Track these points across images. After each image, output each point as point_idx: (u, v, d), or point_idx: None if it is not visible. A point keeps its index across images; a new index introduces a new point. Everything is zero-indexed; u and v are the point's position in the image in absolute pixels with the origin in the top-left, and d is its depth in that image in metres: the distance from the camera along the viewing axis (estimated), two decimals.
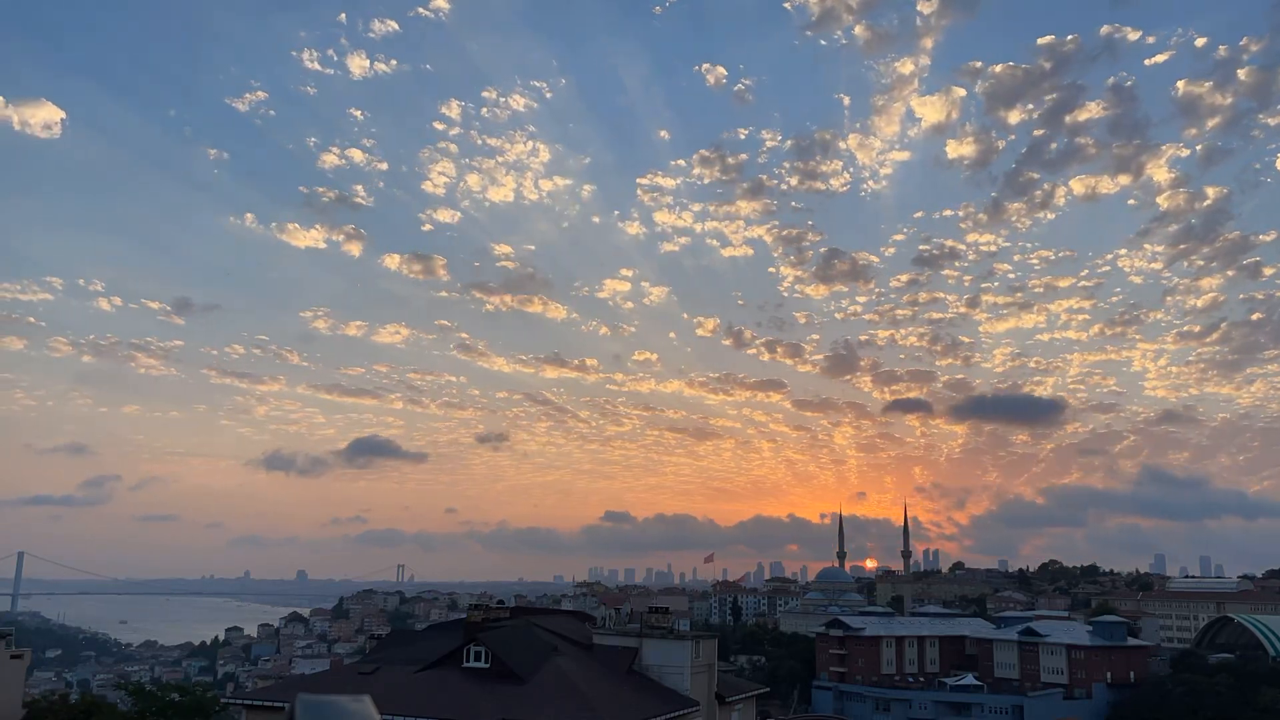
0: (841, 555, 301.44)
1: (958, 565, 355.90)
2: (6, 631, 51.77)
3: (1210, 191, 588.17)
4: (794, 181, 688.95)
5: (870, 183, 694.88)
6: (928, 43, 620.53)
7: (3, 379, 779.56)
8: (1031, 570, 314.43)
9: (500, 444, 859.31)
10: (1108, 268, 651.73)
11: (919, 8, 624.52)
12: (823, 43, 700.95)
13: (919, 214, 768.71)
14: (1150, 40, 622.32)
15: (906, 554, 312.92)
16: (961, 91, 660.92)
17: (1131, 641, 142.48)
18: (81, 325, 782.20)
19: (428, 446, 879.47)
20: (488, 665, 38.93)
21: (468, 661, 39.42)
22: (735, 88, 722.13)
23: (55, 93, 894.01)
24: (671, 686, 41.71)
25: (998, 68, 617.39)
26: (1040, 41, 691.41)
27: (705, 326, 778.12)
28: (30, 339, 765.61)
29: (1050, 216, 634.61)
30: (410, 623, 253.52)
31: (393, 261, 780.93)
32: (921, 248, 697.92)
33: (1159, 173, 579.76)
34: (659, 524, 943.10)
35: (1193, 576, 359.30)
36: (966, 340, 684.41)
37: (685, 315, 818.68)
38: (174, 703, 55.26)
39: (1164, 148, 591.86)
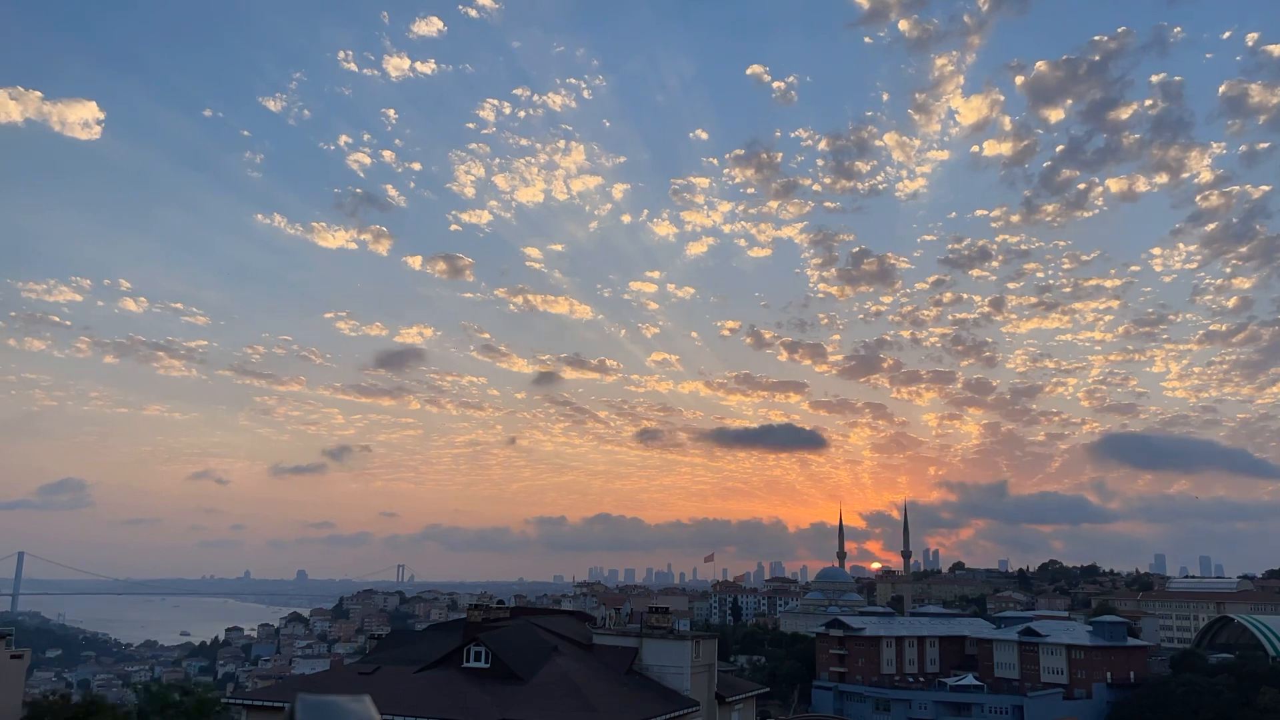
0: (841, 555, 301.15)
1: (958, 565, 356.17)
2: (6, 631, 51.76)
3: (1251, 190, 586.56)
4: (829, 181, 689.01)
5: (906, 182, 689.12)
6: (975, 40, 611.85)
7: (25, 379, 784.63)
8: (1031, 570, 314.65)
9: (517, 444, 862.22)
10: (1138, 267, 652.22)
11: (971, 4, 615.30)
12: (867, 39, 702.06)
13: (952, 214, 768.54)
14: (1203, 36, 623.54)
15: (906, 554, 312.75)
16: (1003, 92, 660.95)
17: (1131, 641, 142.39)
18: (107, 325, 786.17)
19: (444, 446, 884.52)
20: (488, 665, 38.92)
21: (468, 661, 39.41)
22: (776, 85, 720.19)
23: (96, 91, 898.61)
24: (671, 686, 41.70)
25: (1043, 65, 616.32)
26: (1088, 39, 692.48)
27: (728, 328, 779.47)
28: (54, 339, 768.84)
29: (1084, 215, 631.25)
30: (410, 623, 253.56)
31: (418, 262, 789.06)
32: (951, 248, 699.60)
33: (1200, 171, 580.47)
34: (672, 525, 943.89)
35: (1193, 576, 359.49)
36: (989, 341, 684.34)
37: (709, 317, 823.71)
38: (175, 703, 55.33)
39: (1206, 146, 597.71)
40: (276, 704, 38.12)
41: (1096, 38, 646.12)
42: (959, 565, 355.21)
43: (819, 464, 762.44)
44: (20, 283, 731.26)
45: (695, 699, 41.63)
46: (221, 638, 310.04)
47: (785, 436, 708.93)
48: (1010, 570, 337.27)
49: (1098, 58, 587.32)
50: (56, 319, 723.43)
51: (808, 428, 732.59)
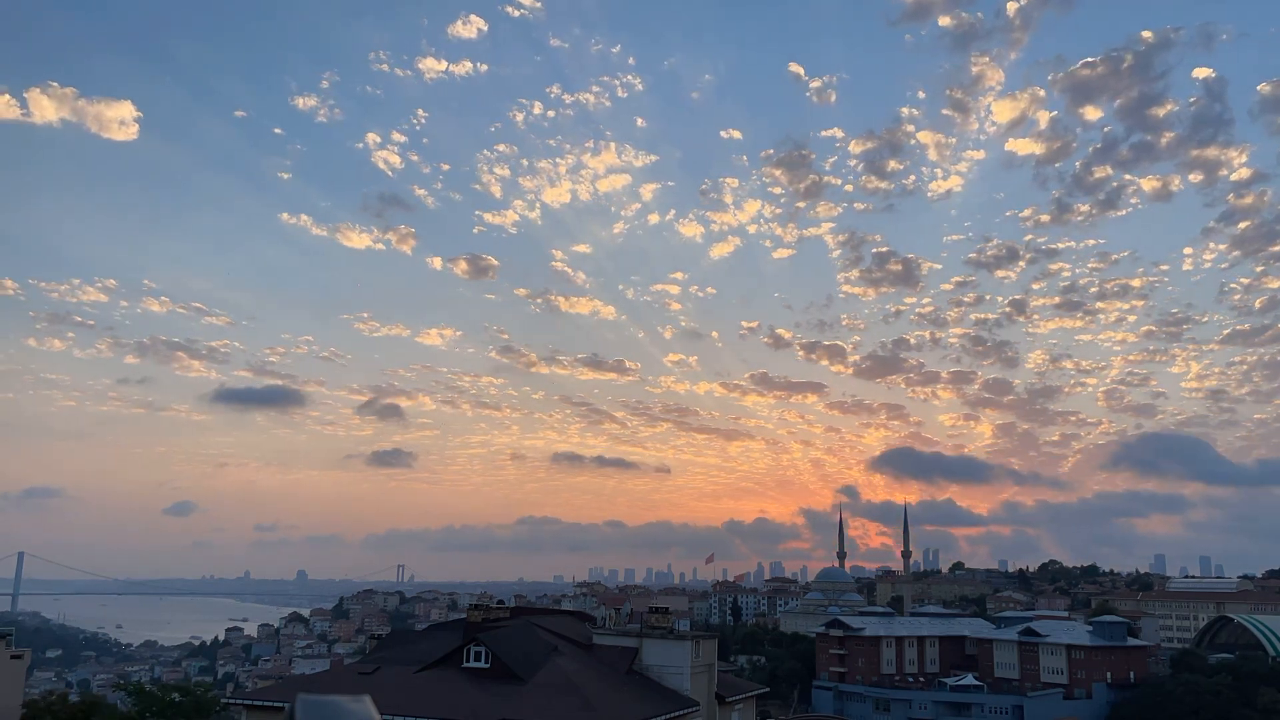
0: (841, 555, 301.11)
1: (957, 565, 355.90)
2: (6, 631, 51.67)
3: None
4: (861, 181, 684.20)
5: (939, 182, 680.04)
6: (1019, 36, 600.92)
7: (46, 379, 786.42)
8: (1031, 570, 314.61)
9: (530, 445, 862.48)
10: (1167, 265, 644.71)
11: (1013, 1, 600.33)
12: (907, 37, 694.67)
13: (981, 214, 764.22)
14: (1250, 32, 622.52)
15: (906, 554, 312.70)
16: (1043, 89, 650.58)
17: (1131, 641, 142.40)
18: (129, 326, 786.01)
19: (459, 446, 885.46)
20: (488, 665, 38.91)
21: (468, 661, 39.40)
22: (813, 83, 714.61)
23: (133, 90, 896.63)
24: (671, 686, 41.69)
25: (1086, 60, 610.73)
26: (1130, 35, 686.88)
27: (746, 328, 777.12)
28: (75, 340, 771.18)
29: (1116, 215, 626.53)
30: (410, 623, 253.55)
31: (440, 263, 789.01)
32: (978, 248, 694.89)
33: (1237, 169, 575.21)
34: (683, 526, 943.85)
35: (1193, 576, 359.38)
36: (1011, 341, 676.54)
37: (730, 317, 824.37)
38: (174, 703, 55.29)
39: (1245, 144, 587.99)
40: (276, 704, 38.13)
41: (1144, 33, 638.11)
42: (959, 565, 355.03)
43: (832, 464, 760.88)
44: (45, 283, 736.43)
45: (695, 699, 41.61)
46: (221, 638, 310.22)
47: (809, 436, 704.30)
48: (1010, 570, 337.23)
49: (1142, 50, 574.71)
50: (79, 319, 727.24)
51: (824, 429, 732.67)
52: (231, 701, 50.61)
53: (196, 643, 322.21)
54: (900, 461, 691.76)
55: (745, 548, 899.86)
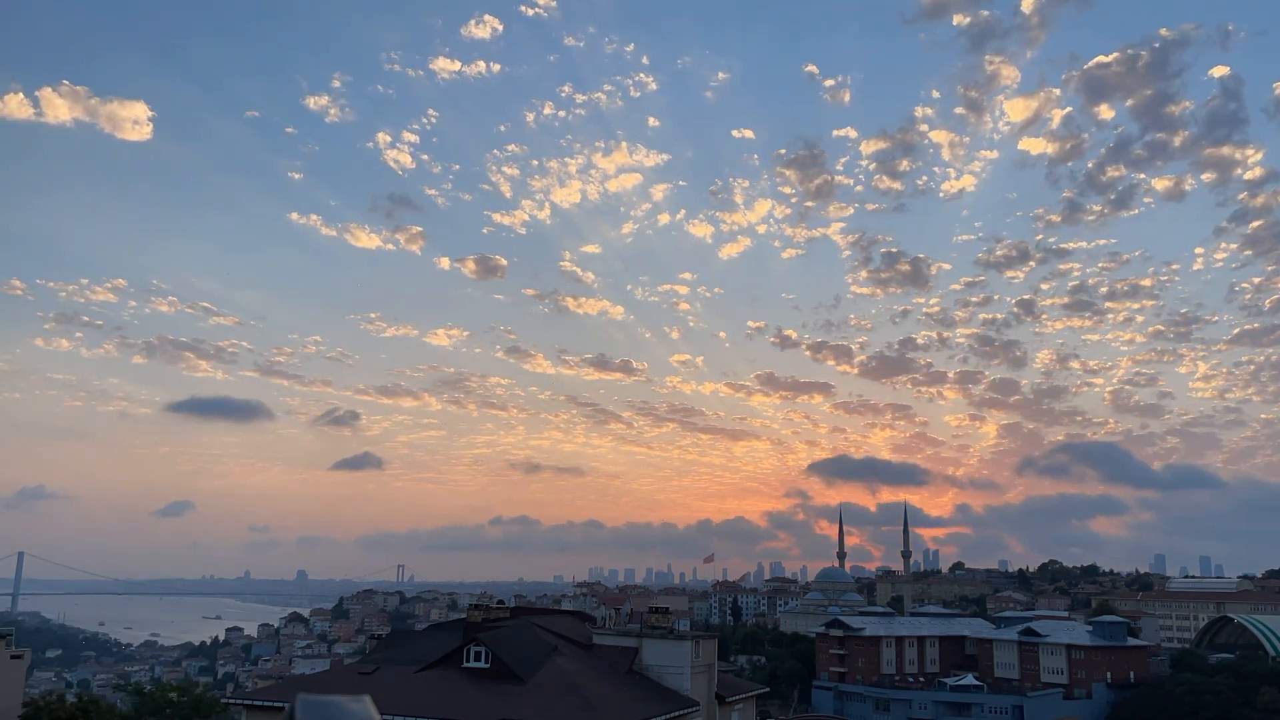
0: (841, 555, 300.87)
1: (957, 565, 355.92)
2: (6, 631, 51.74)
3: None
4: (873, 181, 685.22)
5: (951, 182, 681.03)
6: (1036, 35, 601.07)
7: (53, 379, 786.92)
8: (1031, 570, 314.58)
9: (534, 445, 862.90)
10: (1177, 265, 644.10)
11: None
12: (922, 35, 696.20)
13: (993, 214, 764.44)
14: (1268, 30, 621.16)
15: (906, 554, 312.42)
16: (1058, 88, 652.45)
17: (1131, 641, 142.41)
18: (137, 326, 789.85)
19: (464, 447, 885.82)
20: (488, 665, 38.90)
21: (468, 661, 39.39)
22: (826, 82, 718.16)
23: (146, 91, 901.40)
24: (671, 686, 41.68)
25: (1102, 59, 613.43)
26: (1148, 33, 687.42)
27: (753, 327, 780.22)
28: (83, 340, 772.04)
29: (1127, 214, 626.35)
30: (410, 623, 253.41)
31: (449, 263, 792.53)
32: (987, 248, 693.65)
33: (1251, 168, 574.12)
34: (692, 525, 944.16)
35: (1193, 576, 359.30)
36: (1019, 341, 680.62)
37: (738, 318, 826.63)
38: (174, 703, 55.26)
39: (1261, 144, 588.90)
40: (276, 704, 38.12)
41: (1162, 31, 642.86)
42: (959, 565, 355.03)
43: (837, 464, 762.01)
44: (53, 282, 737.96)
45: (695, 699, 41.60)
46: (221, 638, 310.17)
47: (814, 436, 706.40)
48: (1010, 570, 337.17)
49: (1158, 47, 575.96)
50: (87, 319, 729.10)
51: (830, 429, 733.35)
52: (231, 701, 50.57)
53: (196, 643, 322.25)
54: (837, 468, 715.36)
55: (745, 547, 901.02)
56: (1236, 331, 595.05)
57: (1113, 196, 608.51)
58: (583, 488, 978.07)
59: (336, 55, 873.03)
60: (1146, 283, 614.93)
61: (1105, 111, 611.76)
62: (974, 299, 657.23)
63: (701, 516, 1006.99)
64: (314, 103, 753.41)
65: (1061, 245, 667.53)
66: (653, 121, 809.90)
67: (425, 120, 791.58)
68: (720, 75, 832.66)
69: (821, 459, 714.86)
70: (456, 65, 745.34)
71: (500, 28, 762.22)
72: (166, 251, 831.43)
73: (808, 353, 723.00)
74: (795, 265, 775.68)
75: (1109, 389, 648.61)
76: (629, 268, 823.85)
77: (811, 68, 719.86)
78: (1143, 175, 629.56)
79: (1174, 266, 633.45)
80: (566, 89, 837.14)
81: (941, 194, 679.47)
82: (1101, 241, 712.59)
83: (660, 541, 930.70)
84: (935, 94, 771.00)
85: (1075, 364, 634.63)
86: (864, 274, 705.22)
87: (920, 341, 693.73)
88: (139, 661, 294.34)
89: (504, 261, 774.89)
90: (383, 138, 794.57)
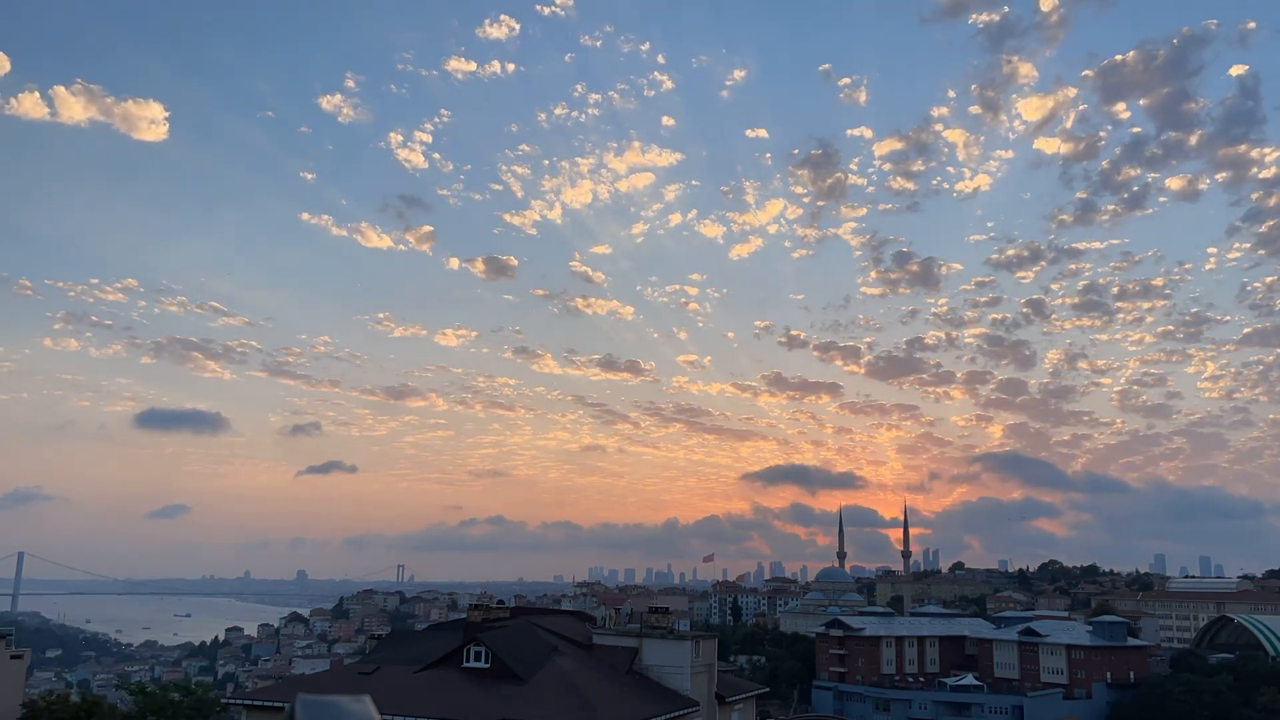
0: (841, 555, 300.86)
1: (957, 565, 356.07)
2: (6, 631, 51.76)
3: None
4: (886, 182, 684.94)
5: (966, 182, 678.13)
6: (1055, 34, 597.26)
7: (61, 379, 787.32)
8: (1031, 570, 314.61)
9: (540, 445, 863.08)
10: (1190, 264, 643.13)
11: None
12: (939, 35, 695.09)
13: (1005, 215, 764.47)
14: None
15: (906, 554, 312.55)
16: (1075, 86, 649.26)
17: (1131, 641, 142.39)
18: (146, 326, 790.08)
19: (470, 447, 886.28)
20: (488, 665, 38.90)
21: (468, 661, 39.39)
22: (842, 82, 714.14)
23: (161, 91, 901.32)
24: (671, 686, 41.68)
25: (1119, 57, 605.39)
26: (1167, 31, 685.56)
27: (760, 327, 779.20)
28: (93, 340, 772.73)
29: (1140, 214, 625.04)
30: (410, 623, 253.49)
31: (458, 263, 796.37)
32: (999, 248, 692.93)
33: (1266, 168, 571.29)
34: (699, 525, 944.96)
35: (1193, 576, 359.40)
36: (1028, 341, 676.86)
37: (747, 318, 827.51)
38: (175, 703, 55.27)
39: (1275, 144, 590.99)
40: (276, 704, 38.12)
41: (1183, 28, 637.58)
42: (959, 565, 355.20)
43: (841, 464, 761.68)
44: (62, 283, 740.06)
45: (695, 699, 41.61)
46: (221, 638, 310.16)
47: (821, 436, 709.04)
48: (1010, 570, 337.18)
49: (1176, 45, 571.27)
50: (96, 319, 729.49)
51: (836, 428, 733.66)
52: (231, 701, 50.61)
53: (196, 643, 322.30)
54: (773, 475, 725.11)
55: (745, 547, 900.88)
56: (1246, 331, 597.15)
57: (1126, 196, 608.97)
58: (587, 487, 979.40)
59: (351, 55, 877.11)
60: (1158, 282, 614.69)
61: (1121, 110, 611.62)
62: (983, 299, 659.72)
63: (705, 515, 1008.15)
64: (328, 102, 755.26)
65: (1073, 245, 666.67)
66: (667, 121, 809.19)
67: (438, 120, 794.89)
68: (736, 74, 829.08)
69: (823, 457, 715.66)
70: (471, 65, 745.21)
71: (517, 27, 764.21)
72: (177, 251, 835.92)
73: (815, 353, 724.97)
74: (805, 265, 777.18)
75: (1116, 389, 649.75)
76: (639, 268, 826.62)
77: (827, 67, 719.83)
78: (1157, 174, 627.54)
79: (1186, 266, 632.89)
80: (579, 88, 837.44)
81: (955, 194, 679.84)
82: (1114, 241, 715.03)
83: (660, 541, 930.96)
84: (951, 93, 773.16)
85: (1084, 364, 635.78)
86: (874, 274, 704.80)
87: (929, 342, 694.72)
88: (139, 661, 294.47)
89: (514, 262, 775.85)
90: (395, 137, 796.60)
